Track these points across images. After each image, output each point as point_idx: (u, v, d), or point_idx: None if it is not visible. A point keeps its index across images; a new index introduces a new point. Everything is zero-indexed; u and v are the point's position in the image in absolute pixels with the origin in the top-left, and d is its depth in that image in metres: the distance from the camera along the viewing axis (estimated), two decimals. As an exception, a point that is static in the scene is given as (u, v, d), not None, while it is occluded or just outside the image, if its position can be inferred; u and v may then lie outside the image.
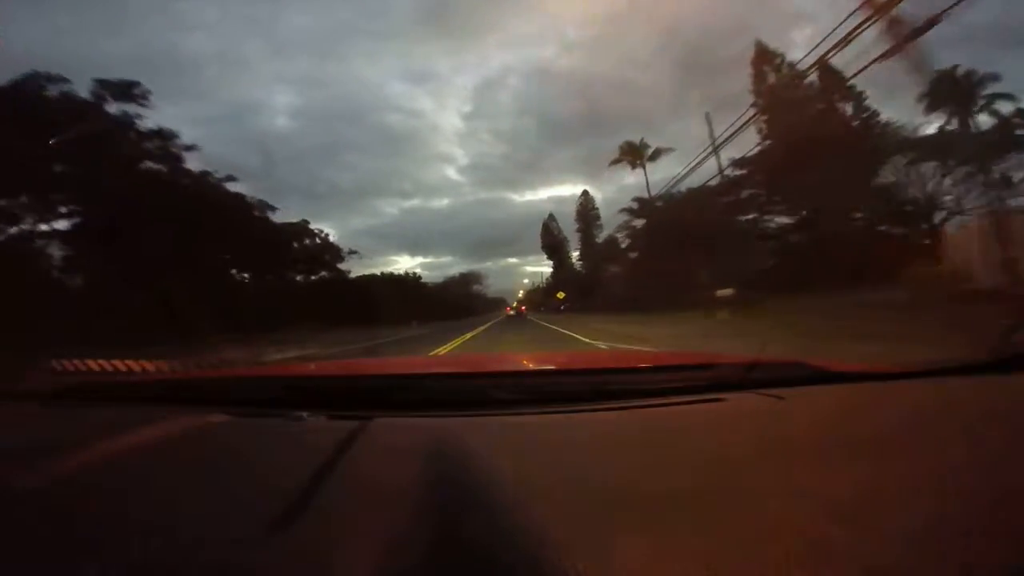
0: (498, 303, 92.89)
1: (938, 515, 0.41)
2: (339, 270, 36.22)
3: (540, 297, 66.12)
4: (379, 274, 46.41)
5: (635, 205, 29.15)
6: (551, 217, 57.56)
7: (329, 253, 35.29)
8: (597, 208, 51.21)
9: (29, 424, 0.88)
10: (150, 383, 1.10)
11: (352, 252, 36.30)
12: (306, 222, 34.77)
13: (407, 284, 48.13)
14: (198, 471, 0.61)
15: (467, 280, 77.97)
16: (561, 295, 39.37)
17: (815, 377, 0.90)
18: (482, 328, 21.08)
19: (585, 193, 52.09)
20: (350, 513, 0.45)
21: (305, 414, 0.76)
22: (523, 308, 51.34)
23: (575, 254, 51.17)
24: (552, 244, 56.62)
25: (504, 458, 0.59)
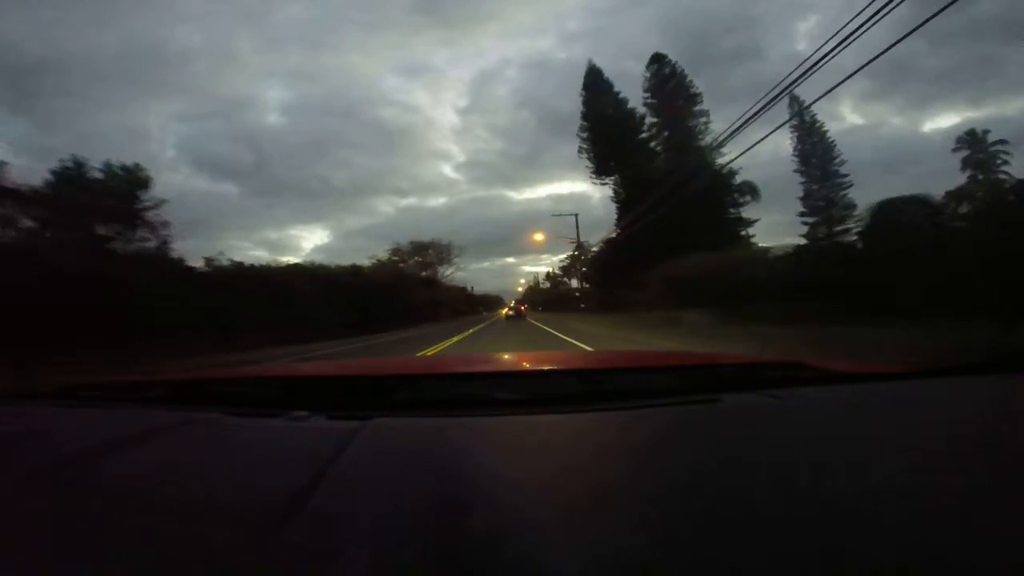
0: (493, 302, 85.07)
1: (939, 515, 0.42)
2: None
3: (583, 276, 33.99)
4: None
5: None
6: (596, 72, 29.50)
7: None
8: (691, 81, 26.74)
9: (30, 423, 0.87)
10: (151, 383, 1.10)
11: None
12: None
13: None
14: (198, 471, 0.61)
15: (425, 260, 40.42)
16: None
17: (814, 377, 0.91)
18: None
19: (659, 58, 27.37)
20: (350, 513, 0.45)
21: (305, 414, 0.76)
22: (522, 308, 39.24)
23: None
24: (611, 125, 27.19)
25: (503, 458, 0.59)
